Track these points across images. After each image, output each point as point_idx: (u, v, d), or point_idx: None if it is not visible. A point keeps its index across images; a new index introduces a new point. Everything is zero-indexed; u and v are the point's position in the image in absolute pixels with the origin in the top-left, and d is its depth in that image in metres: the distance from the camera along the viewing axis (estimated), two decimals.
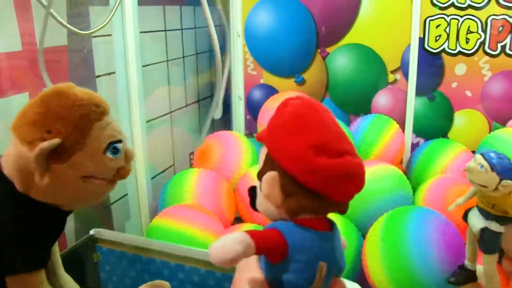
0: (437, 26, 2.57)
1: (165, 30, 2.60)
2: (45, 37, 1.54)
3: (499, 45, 2.46)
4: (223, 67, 2.09)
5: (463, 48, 2.55)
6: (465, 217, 1.43)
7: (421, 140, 2.81)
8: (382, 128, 2.63)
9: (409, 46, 2.66)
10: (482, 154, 1.27)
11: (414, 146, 2.80)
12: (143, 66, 2.27)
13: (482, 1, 2.44)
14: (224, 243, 0.56)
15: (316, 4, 2.87)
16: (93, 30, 1.75)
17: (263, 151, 0.67)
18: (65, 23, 1.56)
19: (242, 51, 3.04)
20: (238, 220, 2.34)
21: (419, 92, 2.71)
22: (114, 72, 2.11)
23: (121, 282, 1.60)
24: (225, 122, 3.25)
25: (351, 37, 2.85)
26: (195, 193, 2.18)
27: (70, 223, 1.84)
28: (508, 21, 2.40)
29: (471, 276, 1.50)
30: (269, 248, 0.60)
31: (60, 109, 0.89)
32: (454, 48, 2.57)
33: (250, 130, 3.10)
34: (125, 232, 2.24)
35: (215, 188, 2.25)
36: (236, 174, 2.44)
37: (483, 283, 1.51)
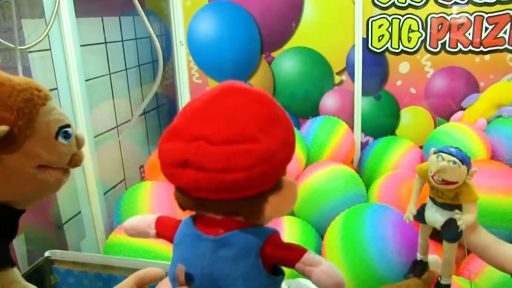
0: (380, 26, 2.62)
1: (105, 42, 2.52)
2: None
3: (439, 42, 2.53)
4: (155, 79, 2.00)
5: (405, 47, 2.61)
6: (419, 217, 1.43)
7: (370, 139, 2.84)
8: (332, 129, 2.64)
9: (353, 47, 2.70)
10: (445, 152, 1.26)
11: (363, 145, 2.83)
12: (85, 80, 2.19)
13: (421, 0, 2.51)
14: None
15: (258, 9, 2.86)
16: (31, 45, 1.65)
17: None
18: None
19: (186, 60, 2.98)
20: None
21: (365, 92, 2.75)
22: (56, 88, 2.02)
23: None
24: None
25: (295, 41, 2.86)
26: (150, 206, 2.15)
27: (22, 247, 1.78)
28: (446, 19, 2.48)
29: (426, 267, 1.54)
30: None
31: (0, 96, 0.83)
32: (397, 47, 2.62)
33: None
34: (81, 251, 2.18)
35: (169, 200, 2.19)
36: None
37: (436, 270, 1.55)
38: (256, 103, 0.59)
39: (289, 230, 1.99)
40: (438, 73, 2.61)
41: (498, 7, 2.41)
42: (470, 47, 2.50)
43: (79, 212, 2.24)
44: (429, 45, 2.55)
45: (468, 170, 1.24)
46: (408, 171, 2.36)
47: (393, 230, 1.78)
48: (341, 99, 2.86)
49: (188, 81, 3.00)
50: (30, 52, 1.88)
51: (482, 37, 2.47)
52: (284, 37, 2.87)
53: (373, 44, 2.67)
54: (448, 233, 1.33)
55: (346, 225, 1.86)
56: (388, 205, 2.03)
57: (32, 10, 1.91)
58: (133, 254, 1.76)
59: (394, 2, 2.56)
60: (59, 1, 1.89)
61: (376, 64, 2.71)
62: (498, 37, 2.45)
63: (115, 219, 2.23)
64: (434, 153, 1.29)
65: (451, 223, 1.31)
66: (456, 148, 1.27)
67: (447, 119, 2.65)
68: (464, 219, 1.26)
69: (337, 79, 2.84)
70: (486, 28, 2.45)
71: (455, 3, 2.45)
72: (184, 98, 3.01)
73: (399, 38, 2.61)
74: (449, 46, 2.52)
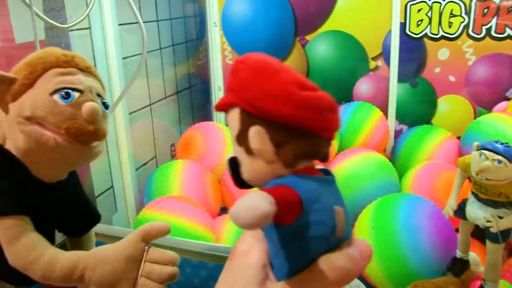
0: (419, 11, 2.53)
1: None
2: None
3: (484, 28, 2.42)
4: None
5: (446, 33, 2.51)
6: (460, 213, 1.36)
7: (405, 127, 2.77)
8: (365, 116, 2.58)
9: (390, 31, 2.62)
10: (489, 149, 1.18)
11: (397, 133, 2.76)
12: (122, 58, 2.25)
13: None
14: (249, 204, 0.47)
15: None
16: (72, 23, 1.68)
17: (233, 113, 0.57)
18: (45, 17, 1.49)
19: (220, 41, 2.96)
20: (224, 210, 2.34)
21: (401, 79, 2.67)
22: (94, 66, 2.03)
23: None
24: (205, 113, 3.20)
25: (330, 24, 2.79)
26: (181, 185, 2.19)
27: None
28: (494, 2, 2.36)
29: (466, 266, 1.46)
30: (286, 204, 0.52)
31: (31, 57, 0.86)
32: (436, 33, 2.53)
33: None
34: (113, 225, 2.22)
35: (200, 179, 2.26)
36: (220, 165, 2.43)
37: (475, 270, 1.49)
38: None
39: None
40: (481, 60, 2.49)
41: None
42: None
43: (111, 187, 2.30)
44: (472, 30, 2.45)
45: None
46: (444, 162, 2.28)
47: (427, 223, 1.72)
48: (376, 85, 2.79)
49: (221, 62, 2.99)
50: (71, 30, 1.95)
51: None
52: (319, 20, 2.81)
53: (411, 29, 2.58)
54: (493, 233, 1.24)
55: (378, 215, 1.82)
56: (422, 196, 1.97)
57: None
58: None
59: None
60: None
61: (414, 50, 2.62)
62: None
63: (146, 195, 2.28)
64: (477, 149, 1.21)
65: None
66: (503, 143, 1.18)
67: (489, 109, 2.53)
68: (503, 222, 1.19)
69: (372, 64, 2.76)
70: None
71: None
72: (216, 78, 2.99)
73: (439, 23, 2.51)
74: (495, 32, 2.41)
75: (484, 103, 2.56)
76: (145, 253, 0.81)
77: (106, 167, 2.26)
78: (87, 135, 0.83)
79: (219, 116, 3.00)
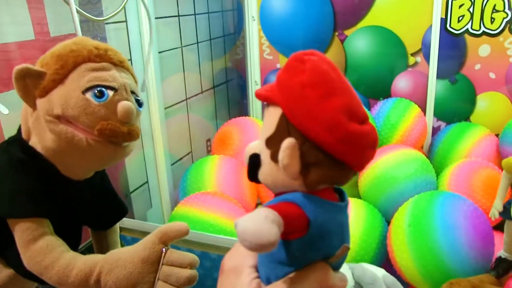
0: (460, 6, 2.50)
1: (179, 16, 2.55)
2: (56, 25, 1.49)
3: None
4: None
5: (487, 29, 2.47)
6: (506, 213, 1.36)
7: (443, 124, 2.74)
8: (403, 112, 2.57)
9: (430, 27, 2.59)
10: None
11: (435, 130, 2.74)
12: (158, 52, 2.23)
13: None
14: (258, 227, 0.47)
15: None
16: (108, 16, 1.67)
17: (274, 112, 0.55)
18: (81, 10, 1.49)
19: (258, 35, 2.97)
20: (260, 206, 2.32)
21: (440, 75, 2.64)
22: (129, 59, 2.06)
23: None
24: (242, 108, 3.20)
25: (369, 19, 2.78)
26: (216, 180, 2.17)
27: None
28: None
29: (510, 266, 1.46)
30: (292, 226, 0.52)
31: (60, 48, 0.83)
32: (478, 29, 2.49)
33: None
34: (147, 221, 2.21)
35: (236, 175, 2.24)
36: None
37: None
38: None
39: (355, 213, 1.96)
40: None
41: None
42: None
43: (146, 182, 2.28)
44: None
45: None
46: (483, 160, 2.26)
47: (464, 221, 1.71)
48: (414, 81, 2.76)
49: (258, 57, 3.00)
50: (107, 23, 1.92)
51: None
52: (358, 15, 2.80)
53: (451, 25, 2.55)
54: None
55: (414, 212, 1.82)
56: (460, 194, 1.95)
57: None
58: (198, 227, 1.77)
59: None
60: None
61: (454, 46, 2.58)
62: None
63: (181, 191, 2.26)
64: None
65: None
66: None
67: None
68: None
69: (411, 60, 2.74)
70: None
71: None
72: (254, 73, 3.00)
73: (481, 19, 2.47)
74: None
75: None
76: (163, 255, 0.77)
77: (141, 162, 2.24)
78: (121, 136, 0.81)
79: (255, 111, 3.03)
